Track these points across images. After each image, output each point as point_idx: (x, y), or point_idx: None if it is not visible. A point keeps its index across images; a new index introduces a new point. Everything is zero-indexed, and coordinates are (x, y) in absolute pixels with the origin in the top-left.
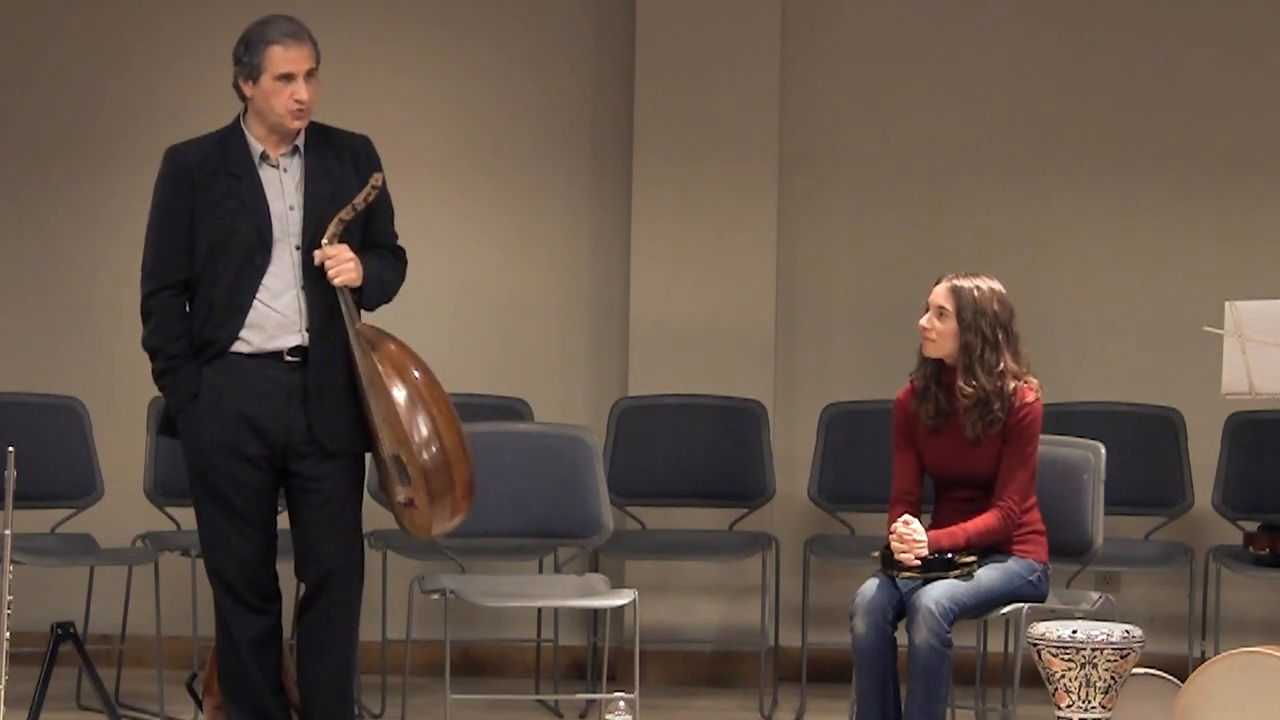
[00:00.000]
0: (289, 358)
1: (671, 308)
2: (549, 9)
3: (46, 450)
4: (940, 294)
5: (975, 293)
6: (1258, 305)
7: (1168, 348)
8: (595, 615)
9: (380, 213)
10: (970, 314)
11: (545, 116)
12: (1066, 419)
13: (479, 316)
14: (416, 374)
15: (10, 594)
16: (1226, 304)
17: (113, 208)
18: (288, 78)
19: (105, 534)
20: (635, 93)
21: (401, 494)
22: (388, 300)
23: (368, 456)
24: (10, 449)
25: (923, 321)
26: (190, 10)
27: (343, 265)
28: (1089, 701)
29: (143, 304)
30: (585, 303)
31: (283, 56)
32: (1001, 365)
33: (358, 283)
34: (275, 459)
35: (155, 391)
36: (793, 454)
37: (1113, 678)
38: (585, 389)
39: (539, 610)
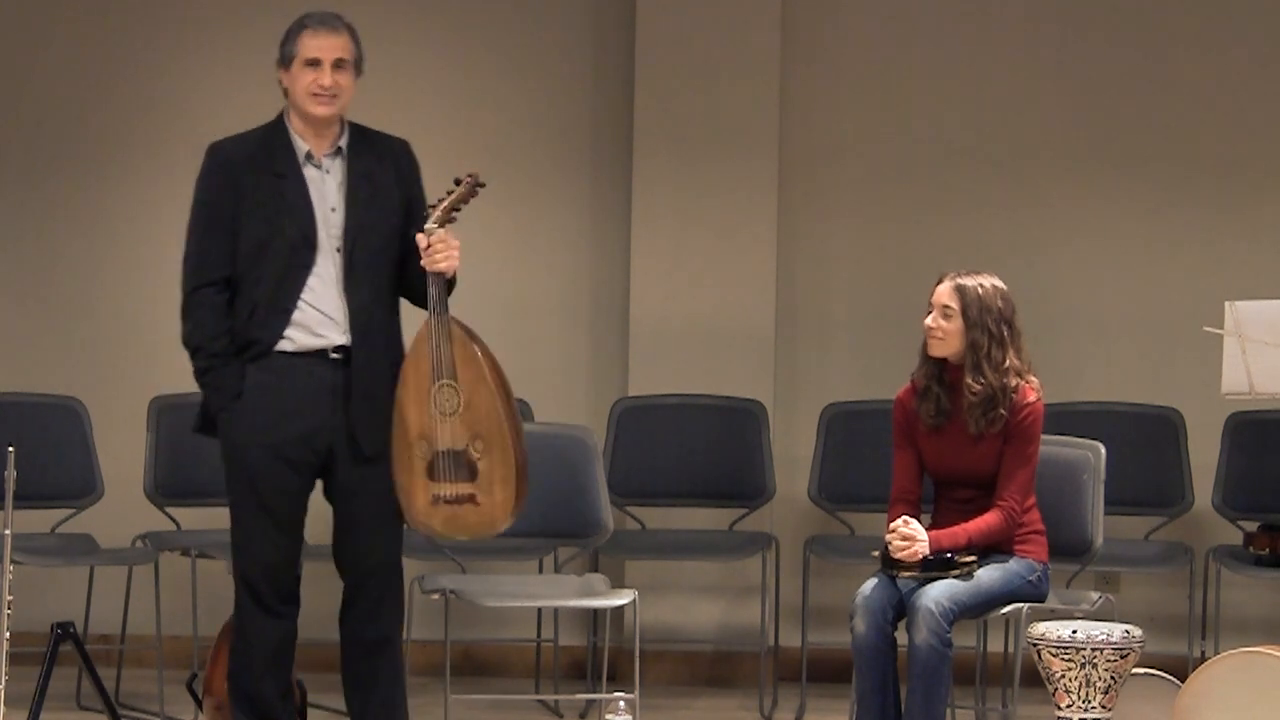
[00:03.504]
0: (333, 355)
1: (671, 308)
2: (549, 9)
3: (46, 450)
4: (944, 293)
5: (979, 290)
6: (1258, 305)
7: (1168, 348)
8: (595, 615)
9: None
10: (976, 311)
11: (545, 116)
12: (1067, 419)
13: (479, 316)
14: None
15: (10, 594)
16: (1226, 304)
17: (113, 208)
18: (314, 63)
19: (105, 534)
20: (635, 93)
21: (449, 490)
22: None
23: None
24: (10, 449)
25: (928, 321)
26: (190, 11)
27: (452, 251)
28: (1089, 701)
29: (184, 300)
30: (585, 303)
31: (310, 41)
32: (1007, 362)
33: (454, 271)
34: (318, 460)
35: (155, 391)
36: (793, 454)
37: (1113, 678)
38: (585, 389)
39: (539, 610)
